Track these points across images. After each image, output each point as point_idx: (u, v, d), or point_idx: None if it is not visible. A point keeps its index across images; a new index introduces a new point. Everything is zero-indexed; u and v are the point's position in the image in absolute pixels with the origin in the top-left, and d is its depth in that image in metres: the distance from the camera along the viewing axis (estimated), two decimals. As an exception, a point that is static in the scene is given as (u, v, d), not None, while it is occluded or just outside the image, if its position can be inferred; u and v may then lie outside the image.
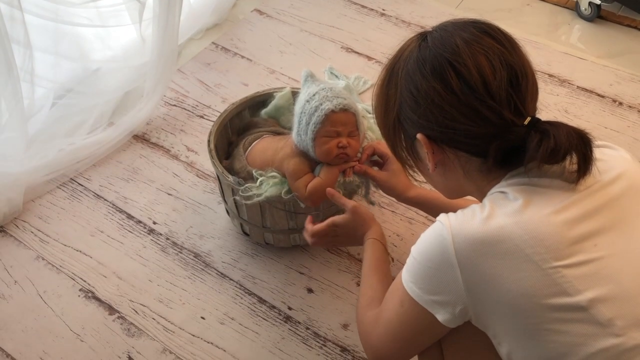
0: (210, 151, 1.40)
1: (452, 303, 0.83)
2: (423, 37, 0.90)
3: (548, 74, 1.93)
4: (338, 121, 1.28)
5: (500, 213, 0.81)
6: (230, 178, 1.34)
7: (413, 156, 0.95)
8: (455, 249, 0.80)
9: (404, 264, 1.46)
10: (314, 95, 1.29)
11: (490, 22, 0.89)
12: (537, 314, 0.78)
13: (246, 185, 1.31)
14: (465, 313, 0.84)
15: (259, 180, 1.31)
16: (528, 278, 0.77)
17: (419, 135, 0.88)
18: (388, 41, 2.07)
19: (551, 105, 1.83)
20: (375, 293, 1.05)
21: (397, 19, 2.16)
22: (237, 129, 1.54)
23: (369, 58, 2.02)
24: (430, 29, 0.91)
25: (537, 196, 0.82)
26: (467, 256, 0.80)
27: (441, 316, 0.85)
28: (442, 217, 0.85)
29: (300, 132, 1.30)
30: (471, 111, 0.83)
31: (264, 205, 1.35)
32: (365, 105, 1.80)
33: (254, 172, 1.34)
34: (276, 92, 1.53)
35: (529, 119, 0.83)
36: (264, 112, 1.52)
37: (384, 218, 1.58)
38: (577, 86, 1.89)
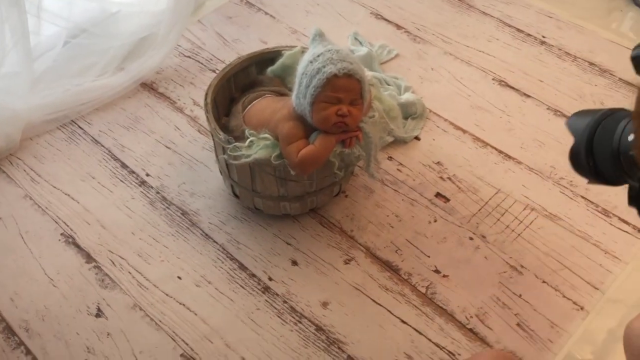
0: (206, 105, 1.33)
1: None
2: None
3: (589, 62, 1.78)
4: (340, 87, 1.18)
5: None
6: (221, 135, 1.26)
7: None
8: None
9: (398, 247, 1.38)
10: (318, 56, 1.19)
11: None
12: None
13: (235, 144, 1.23)
14: None
15: (248, 141, 1.23)
16: None
17: None
18: (422, 11, 1.95)
19: (587, 96, 1.68)
20: None
21: (435, -12, 2.02)
22: (241, 85, 1.46)
23: (398, 27, 1.90)
24: None
25: None
26: None
27: None
28: None
29: (299, 95, 1.21)
30: None
31: (254, 167, 1.27)
32: (383, 75, 1.70)
33: (246, 131, 1.26)
34: (286, 50, 1.44)
35: None
36: (270, 70, 1.43)
37: (385, 196, 1.48)
38: (619, 78, 1.73)
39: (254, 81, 1.44)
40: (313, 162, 1.19)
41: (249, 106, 1.36)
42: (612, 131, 0.67)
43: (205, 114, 1.32)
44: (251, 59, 1.45)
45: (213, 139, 1.36)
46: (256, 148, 1.23)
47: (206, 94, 1.35)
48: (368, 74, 1.58)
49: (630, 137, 0.66)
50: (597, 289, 1.32)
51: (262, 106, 1.34)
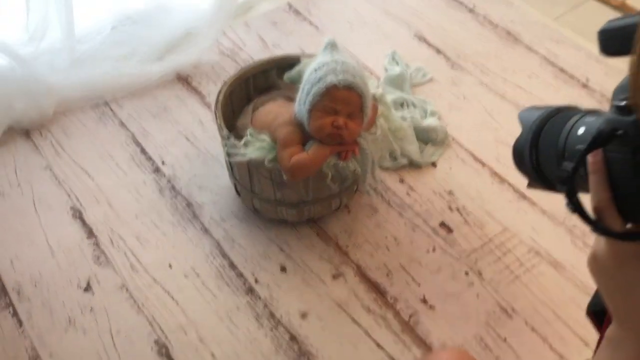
0: (217, 101, 1.35)
1: None
2: None
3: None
4: (339, 98, 1.18)
5: None
6: (223, 131, 1.29)
7: None
8: None
9: (390, 270, 1.36)
10: (323, 65, 1.20)
11: None
12: None
13: (232, 141, 1.25)
14: None
15: (244, 140, 1.24)
16: None
17: None
18: (466, 39, 1.92)
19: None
20: None
21: (484, 18, 1.99)
22: (260, 87, 1.48)
23: (439, 51, 1.88)
24: None
25: None
26: None
27: None
28: None
29: (300, 101, 1.22)
30: None
31: (251, 168, 1.29)
32: (411, 97, 1.68)
33: (248, 131, 1.28)
34: (306, 57, 1.45)
35: None
36: (286, 75, 1.44)
37: (387, 217, 1.46)
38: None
39: (272, 85, 1.46)
40: (304, 170, 1.20)
41: (261, 108, 1.38)
42: (560, 128, 0.63)
43: (214, 109, 1.34)
44: (271, 62, 1.47)
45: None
46: (252, 148, 1.24)
47: (219, 90, 1.37)
48: (394, 93, 1.57)
49: (581, 131, 0.61)
50: (588, 346, 1.25)
51: (270, 109, 1.35)
